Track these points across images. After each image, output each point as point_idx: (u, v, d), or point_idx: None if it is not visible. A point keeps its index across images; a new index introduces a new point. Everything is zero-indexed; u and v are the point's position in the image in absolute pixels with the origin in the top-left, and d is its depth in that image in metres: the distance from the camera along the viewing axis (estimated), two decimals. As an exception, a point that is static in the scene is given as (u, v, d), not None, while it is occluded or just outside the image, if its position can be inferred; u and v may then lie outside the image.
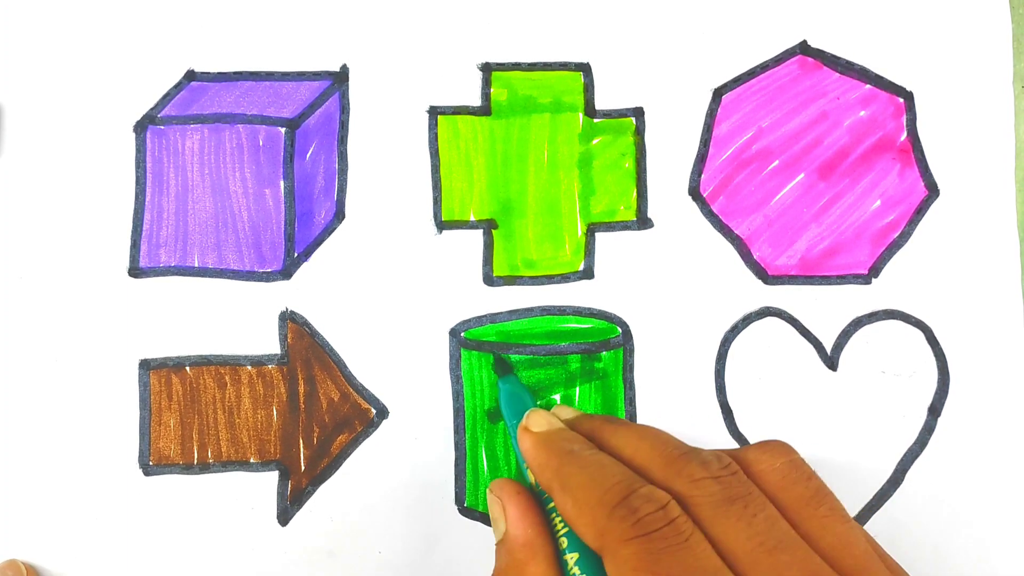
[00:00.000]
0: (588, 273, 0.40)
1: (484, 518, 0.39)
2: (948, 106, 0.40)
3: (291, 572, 0.38)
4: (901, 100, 0.40)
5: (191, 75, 0.40)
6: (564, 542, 0.27)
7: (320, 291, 0.39)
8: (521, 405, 0.34)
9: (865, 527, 0.38)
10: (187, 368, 0.39)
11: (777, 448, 0.27)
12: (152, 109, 0.40)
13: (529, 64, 0.40)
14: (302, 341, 0.39)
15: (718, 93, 0.40)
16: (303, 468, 0.39)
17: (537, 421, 0.29)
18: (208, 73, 0.40)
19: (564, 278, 0.40)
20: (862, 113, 0.40)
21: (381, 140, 0.40)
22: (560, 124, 0.40)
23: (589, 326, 0.39)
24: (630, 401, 0.39)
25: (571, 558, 0.27)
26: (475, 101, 0.40)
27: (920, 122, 0.40)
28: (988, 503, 0.39)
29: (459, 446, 0.39)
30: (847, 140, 0.40)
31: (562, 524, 0.27)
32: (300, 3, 0.40)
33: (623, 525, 0.24)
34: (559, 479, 0.27)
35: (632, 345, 0.39)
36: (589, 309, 0.40)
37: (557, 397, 0.39)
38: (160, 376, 0.39)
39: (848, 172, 0.40)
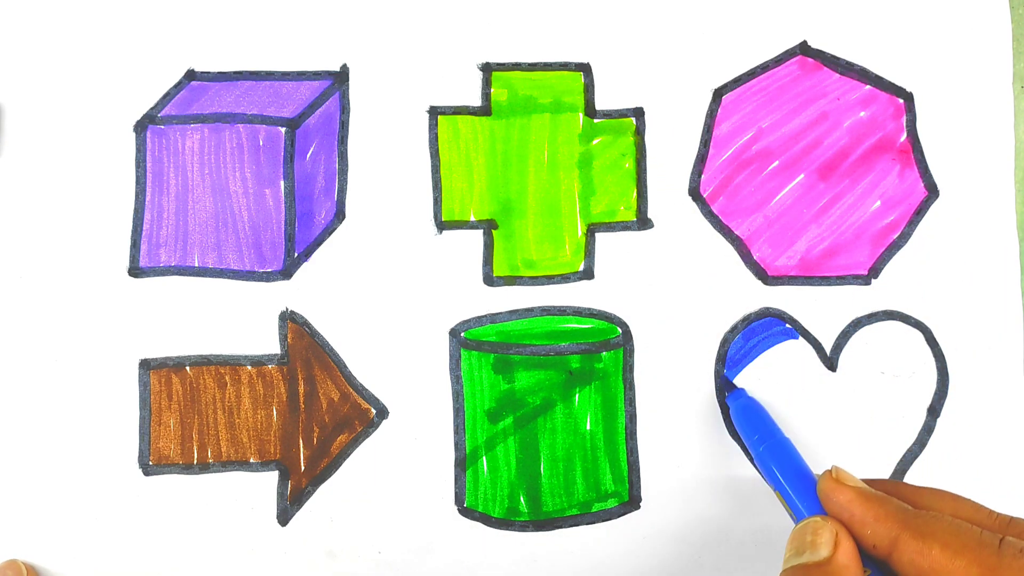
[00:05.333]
0: (588, 273, 0.40)
1: (484, 518, 0.39)
2: (948, 106, 0.40)
3: (291, 572, 0.38)
4: (901, 101, 0.40)
5: (191, 75, 0.40)
6: None
7: (320, 291, 0.39)
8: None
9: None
10: (187, 368, 0.39)
11: None
12: (152, 109, 0.40)
13: (529, 64, 0.40)
14: (302, 341, 0.39)
15: (718, 93, 0.40)
16: (303, 468, 0.39)
17: (848, 476, 0.31)
18: (208, 73, 0.40)
19: (564, 278, 0.40)
20: (862, 114, 0.40)
21: (381, 140, 0.40)
22: (560, 124, 0.40)
23: (589, 326, 0.39)
24: (630, 401, 0.39)
25: None
26: (475, 101, 0.40)
27: (920, 123, 0.40)
28: (987, 503, 0.39)
29: (459, 446, 0.39)
30: (847, 141, 0.40)
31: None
32: (300, 3, 0.40)
33: (1020, 560, 0.26)
34: (911, 529, 0.28)
35: (632, 345, 0.39)
36: (589, 309, 0.40)
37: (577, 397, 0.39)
38: (160, 376, 0.39)
39: (848, 173, 0.40)
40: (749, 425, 0.36)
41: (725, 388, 0.39)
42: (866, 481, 0.31)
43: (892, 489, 0.31)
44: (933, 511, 0.29)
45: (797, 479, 0.33)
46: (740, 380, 0.39)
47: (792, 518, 0.32)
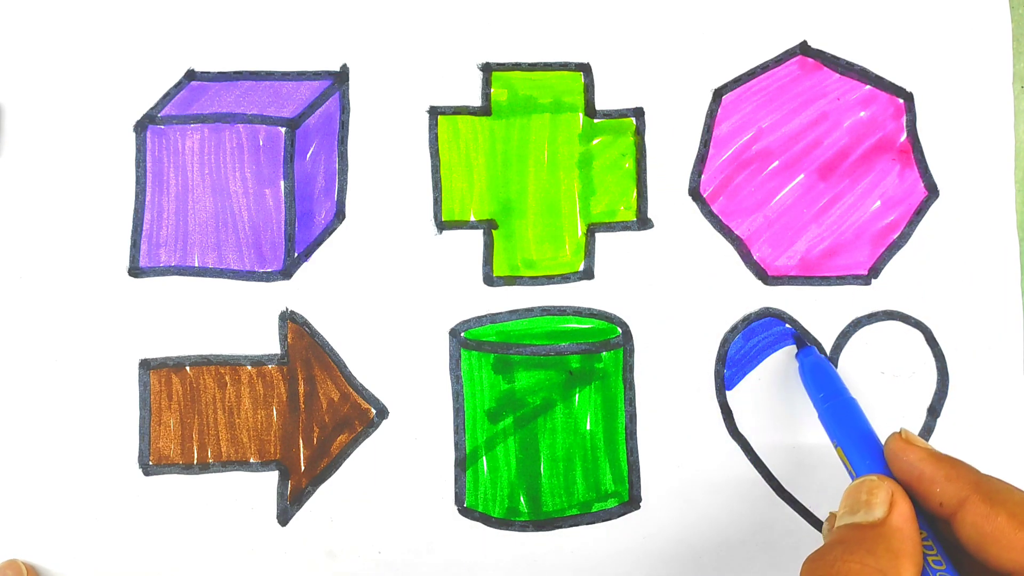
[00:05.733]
0: (588, 273, 0.40)
1: (483, 518, 0.39)
2: (948, 107, 0.40)
3: (291, 572, 0.38)
4: (901, 101, 0.40)
5: (191, 75, 0.40)
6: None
7: (320, 291, 0.39)
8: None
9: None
10: (187, 368, 0.39)
11: None
12: (152, 109, 0.40)
13: (529, 64, 0.40)
14: (302, 341, 0.39)
15: (718, 93, 0.40)
16: (303, 468, 0.39)
17: (918, 439, 0.31)
18: (208, 73, 0.40)
19: (564, 278, 0.40)
20: (862, 114, 0.40)
21: (381, 140, 0.40)
22: (560, 124, 0.40)
23: (589, 326, 0.39)
24: (630, 401, 0.39)
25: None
26: (475, 101, 0.40)
27: (920, 123, 0.40)
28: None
29: (459, 446, 0.39)
30: (847, 141, 0.40)
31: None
32: (300, 3, 0.40)
33: None
34: (982, 492, 0.28)
35: (632, 345, 0.39)
36: (589, 309, 0.40)
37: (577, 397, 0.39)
38: (160, 376, 0.39)
39: (848, 173, 0.40)
40: (816, 382, 0.37)
41: (797, 344, 0.39)
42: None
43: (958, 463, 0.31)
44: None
45: (861, 438, 0.32)
46: (742, 383, 0.39)
47: (851, 476, 0.32)
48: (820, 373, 0.37)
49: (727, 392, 0.39)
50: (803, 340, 0.39)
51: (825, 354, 0.39)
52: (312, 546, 0.38)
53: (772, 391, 0.39)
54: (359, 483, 0.39)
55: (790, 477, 0.39)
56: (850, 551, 0.27)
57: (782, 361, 0.39)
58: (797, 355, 0.39)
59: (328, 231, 0.40)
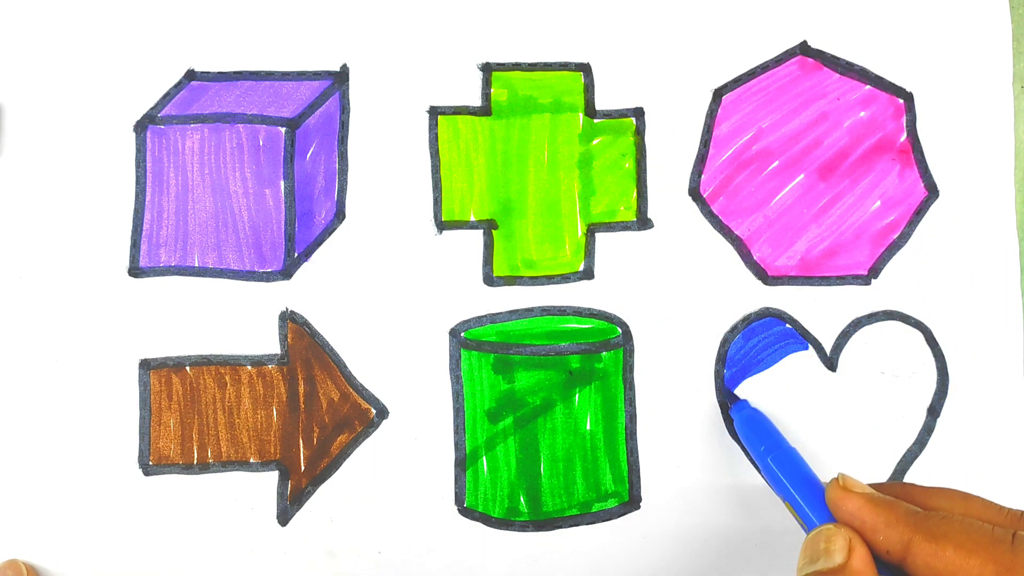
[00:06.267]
0: (588, 273, 0.40)
1: (484, 518, 0.39)
2: (948, 107, 0.40)
3: (291, 572, 0.38)
4: (901, 101, 0.40)
5: (191, 75, 0.40)
6: None
7: (320, 291, 0.39)
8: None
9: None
10: (187, 368, 0.39)
11: None
12: (152, 109, 0.40)
13: (529, 64, 0.40)
14: (302, 341, 0.39)
15: (718, 93, 0.40)
16: (303, 468, 0.39)
17: (856, 483, 0.31)
18: (208, 73, 0.40)
19: (564, 278, 0.40)
20: (862, 114, 0.40)
21: (381, 140, 0.40)
22: (560, 124, 0.40)
23: (589, 326, 0.39)
24: (630, 401, 0.39)
25: None
26: (475, 101, 0.40)
27: (920, 123, 0.40)
28: (987, 503, 0.39)
29: (459, 446, 0.39)
30: (847, 141, 0.40)
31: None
32: (300, 3, 0.40)
33: None
34: (923, 532, 0.28)
35: (632, 345, 0.39)
36: (589, 309, 0.40)
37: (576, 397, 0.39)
38: (160, 376, 0.39)
39: (848, 173, 0.40)
40: (755, 436, 0.36)
41: (728, 399, 0.39)
42: (873, 486, 0.31)
43: (901, 492, 0.31)
44: (943, 511, 0.29)
45: (806, 488, 0.33)
46: (742, 386, 0.39)
47: (803, 528, 0.32)
48: (757, 426, 0.37)
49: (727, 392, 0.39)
50: (735, 396, 0.39)
51: (825, 354, 0.39)
52: (312, 546, 0.38)
53: (771, 392, 0.39)
54: (359, 483, 0.39)
55: (790, 477, 0.39)
56: None
57: (785, 366, 0.39)
58: (731, 410, 0.38)
59: (328, 231, 0.40)
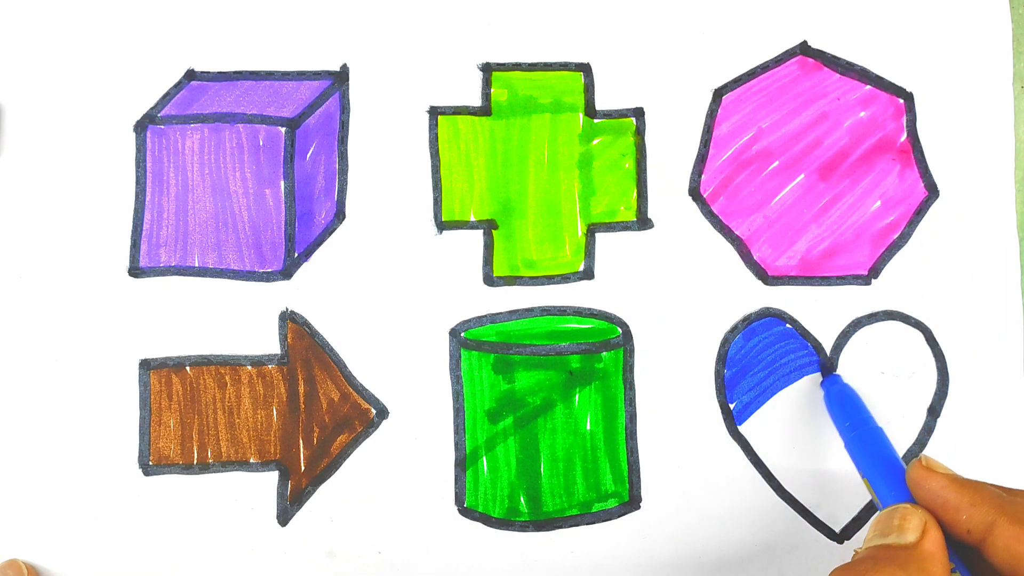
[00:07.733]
0: (588, 273, 0.40)
1: (484, 518, 0.39)
2: (948, 107, 0.40)
3: (291, 572, 0.38)
4: (901, 101, 0.40)
5: (191, 75, 0.40)
6: None
7: (320, 291, 0.39)
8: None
9: (865, 527, 0.39)
10: (187, 368, 0.39)
11: None
12: (152, 109, 0.40)
13: (529, 64, 0.40)
14: (302, 341, 0.39)
15: (718, 93, 0.40)
16: (303, 468, 0.39)
17: (940, 464, 0.31)
18: (208, 73, 0.40)
19: (564, 278, 0.40)
20: (862, 114, 0.40)
21: (381, 140, 0.40)
22: (560, 124, 0.40)
23: (589, 326, 0.39)
24: (630, 401, 0.39)
25: None
26: (475, 101, 0.40)
27: (920, 123, 0.40)
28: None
29: (459, 446, 0.39)
30: (847, 141, 0.40)
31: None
32: (300, 3, 0.40)
33: None
34: (1009, 514, 0.28)
35: (632, 345, 0.39)
36: (589, 309, 0.40)
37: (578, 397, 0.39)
38: (160, 376, 0.39)
39: (848, 173, 0.40)
40: (842, 411, 0.37)
41: (822, 372, 0.39)
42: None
43: (980, 484, 0.31)
44: None
45: (886, 467, 0.33)
46: (741, 380, 0.39)
47: (879, 507, 0.32)
48: (847, 402, 0.37)
49: (727, 392, 0.39)
50: (828, 368, 0.39)
51: (825, 354, 0.39)
52: (312, 546, 0.38)
53: (774, 393, 0.39)
54: (359, 483, 0.39)
55: (790, 477, 0.39)
56: (880, 566, 0.28)
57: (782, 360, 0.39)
58: (823, 383, 0.38)
59: (328, 231, 0.40)
